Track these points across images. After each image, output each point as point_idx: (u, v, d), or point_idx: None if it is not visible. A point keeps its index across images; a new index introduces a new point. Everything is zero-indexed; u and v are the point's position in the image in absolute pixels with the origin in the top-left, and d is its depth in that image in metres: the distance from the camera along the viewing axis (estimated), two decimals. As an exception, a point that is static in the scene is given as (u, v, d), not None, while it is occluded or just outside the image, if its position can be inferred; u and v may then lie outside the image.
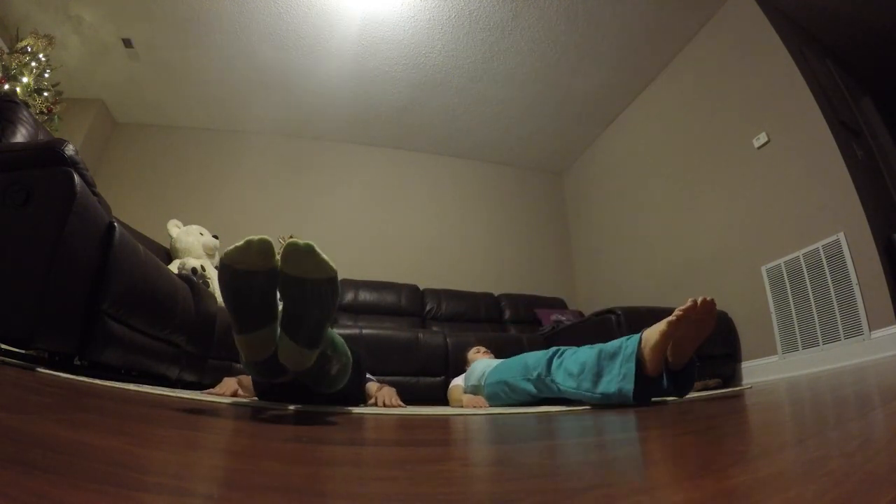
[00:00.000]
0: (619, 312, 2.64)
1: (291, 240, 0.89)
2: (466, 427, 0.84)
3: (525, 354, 1.64)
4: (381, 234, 4.48)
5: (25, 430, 0.39)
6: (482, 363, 1.90)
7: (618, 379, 1.27)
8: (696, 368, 1.34)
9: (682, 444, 0.54)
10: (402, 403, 1.45)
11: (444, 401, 2.64)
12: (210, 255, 3.13)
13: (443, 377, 2.84)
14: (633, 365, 1.25)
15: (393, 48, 3.51)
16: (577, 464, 0.42)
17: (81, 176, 1.28)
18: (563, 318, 3.79)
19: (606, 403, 1.29)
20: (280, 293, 0.94)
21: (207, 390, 1.47)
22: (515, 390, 1.59)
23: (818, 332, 2.36)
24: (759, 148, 2.82)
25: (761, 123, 2.81)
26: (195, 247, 3.04)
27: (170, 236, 3.08)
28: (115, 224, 1.41)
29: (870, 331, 2.14)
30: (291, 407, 1.18)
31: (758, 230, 2.81)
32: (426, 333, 3.04)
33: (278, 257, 0.91)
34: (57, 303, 1.17)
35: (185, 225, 3.15)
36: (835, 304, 2.30)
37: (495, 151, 4.91)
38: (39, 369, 1.07)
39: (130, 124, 4.30)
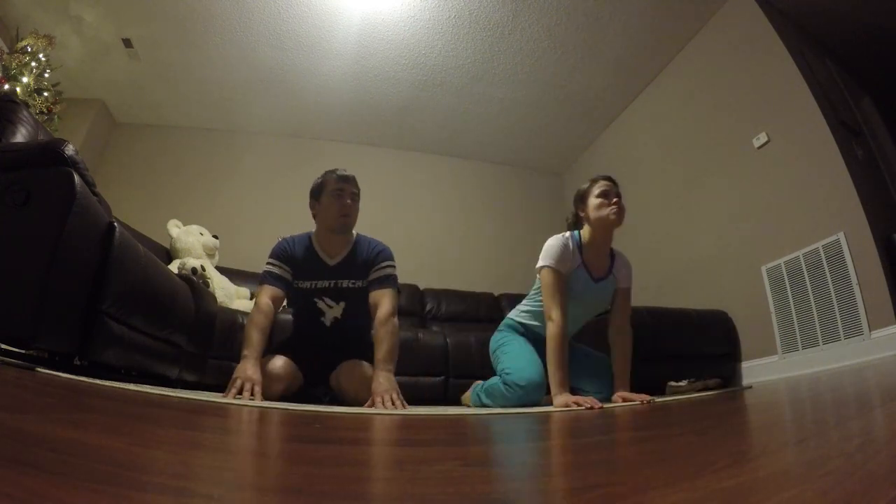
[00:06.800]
0: (619, 312, 2.63)
1: None
2: (466, 427, 0.84)
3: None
4: (380, 233, 4.41)
5: (25, 430, 0.39)
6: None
7: None
8: None
9: (682, 444, 0.54)
10: (404, 403, 1.35)
11: (443, 401, 2.64)
12: (210, 255, 3.13)
13: (443, 377, 2.84)
14: None
15: (393, 48, 3.51)
16: (577, 464, 0.42)
17: (81, 176, 1.28)
18: (563, 318, 3.78)
19: None
20: None
21: (228, 392, 1.28)
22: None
23: (818, 331, 2.36)
24: (759, 148, 2.82)
25: (761, 123, 2.81)
26: (195, 247, 3.05)
27: (170, 236, 3.08)
28: (115, 224, 1.40)
29: (870, 331, 2.14)
30: (292, 407, 1.18)
31: (758, 230, 2.80)
32: (426, 333, 3.04)
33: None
34: (57, 303, 1.17)
35: (185, 225, 3.16)
36: (835, 304, 2.29)
37: (495, 151, 4.90)
38: (39, 369, 1.06)
39: (130, 124, 4.29)
